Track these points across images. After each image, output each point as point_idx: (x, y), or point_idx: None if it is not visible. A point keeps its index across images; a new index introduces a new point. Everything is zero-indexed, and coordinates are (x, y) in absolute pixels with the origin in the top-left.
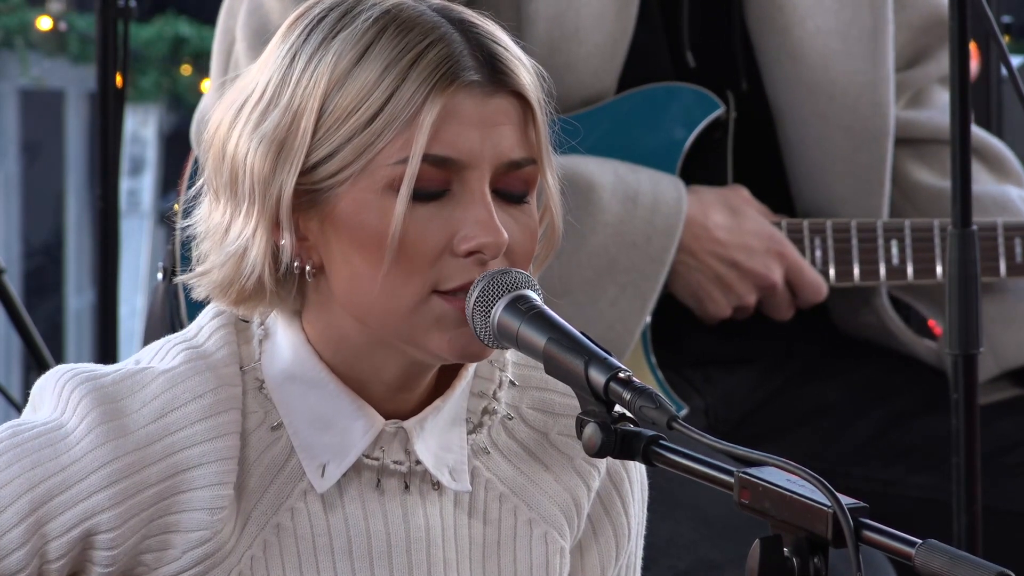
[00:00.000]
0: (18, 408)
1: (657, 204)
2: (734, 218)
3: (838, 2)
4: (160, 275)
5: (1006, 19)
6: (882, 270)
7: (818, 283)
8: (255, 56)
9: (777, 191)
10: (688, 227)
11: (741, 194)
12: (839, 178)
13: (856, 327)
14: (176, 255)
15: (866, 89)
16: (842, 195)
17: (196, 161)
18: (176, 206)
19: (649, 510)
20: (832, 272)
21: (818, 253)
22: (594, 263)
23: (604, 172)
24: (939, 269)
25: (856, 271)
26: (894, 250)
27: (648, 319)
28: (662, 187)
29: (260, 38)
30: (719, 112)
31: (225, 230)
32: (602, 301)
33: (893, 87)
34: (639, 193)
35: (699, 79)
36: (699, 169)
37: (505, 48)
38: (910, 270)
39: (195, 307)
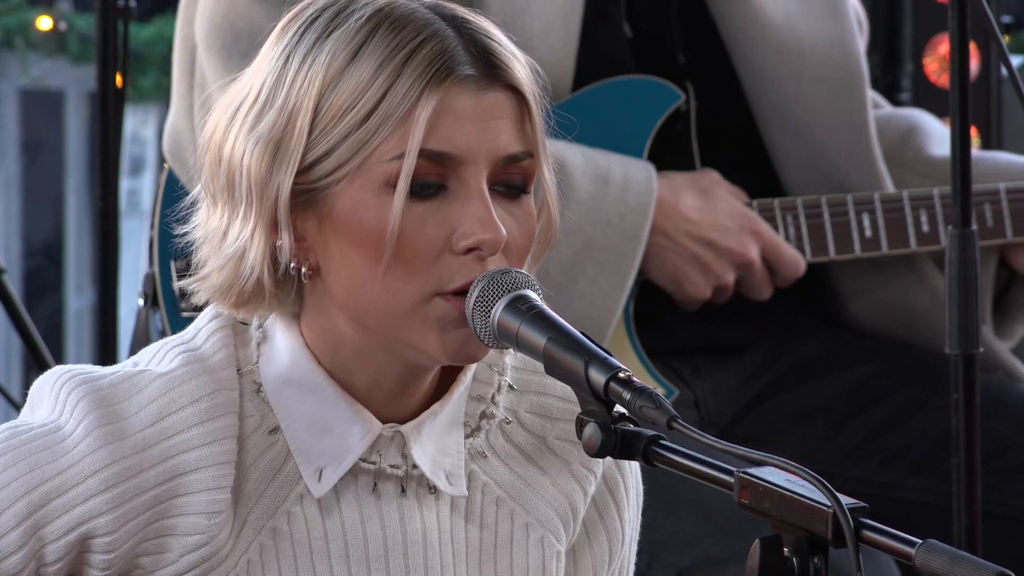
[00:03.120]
0: (18, 408)
1: (628, 182)
2: (706, 199)
3: None
4: (140, 301)
5: (1006, 19)
6: (856, 244)
7: (795, 259)
8: (218, 56)
9: (750, 176)
10: (660, 208)
11: (712, 176)
12: (824, 130)
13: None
14: (156, 280)
15: (834, 42)
16: (833, 146)
17: (171, 174)
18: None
19: (651, 507)
20: (807, 248)
21: (791, 231)
22: (571, 242)
23: (573, 152)
24: (912, 238)
25: (831, 247)
26: (866, 223)
27: (627, 297)
28: (632, 168)
29: (223, 36)
30: (678, 103)
31: (223, 233)
32: (581, 280)
33: (859, 41)
34: (609, 171)
35: (636, 50)
36: (665, 164)
37: (499, 43)
38: (884, 241)
39: (180, 329)
